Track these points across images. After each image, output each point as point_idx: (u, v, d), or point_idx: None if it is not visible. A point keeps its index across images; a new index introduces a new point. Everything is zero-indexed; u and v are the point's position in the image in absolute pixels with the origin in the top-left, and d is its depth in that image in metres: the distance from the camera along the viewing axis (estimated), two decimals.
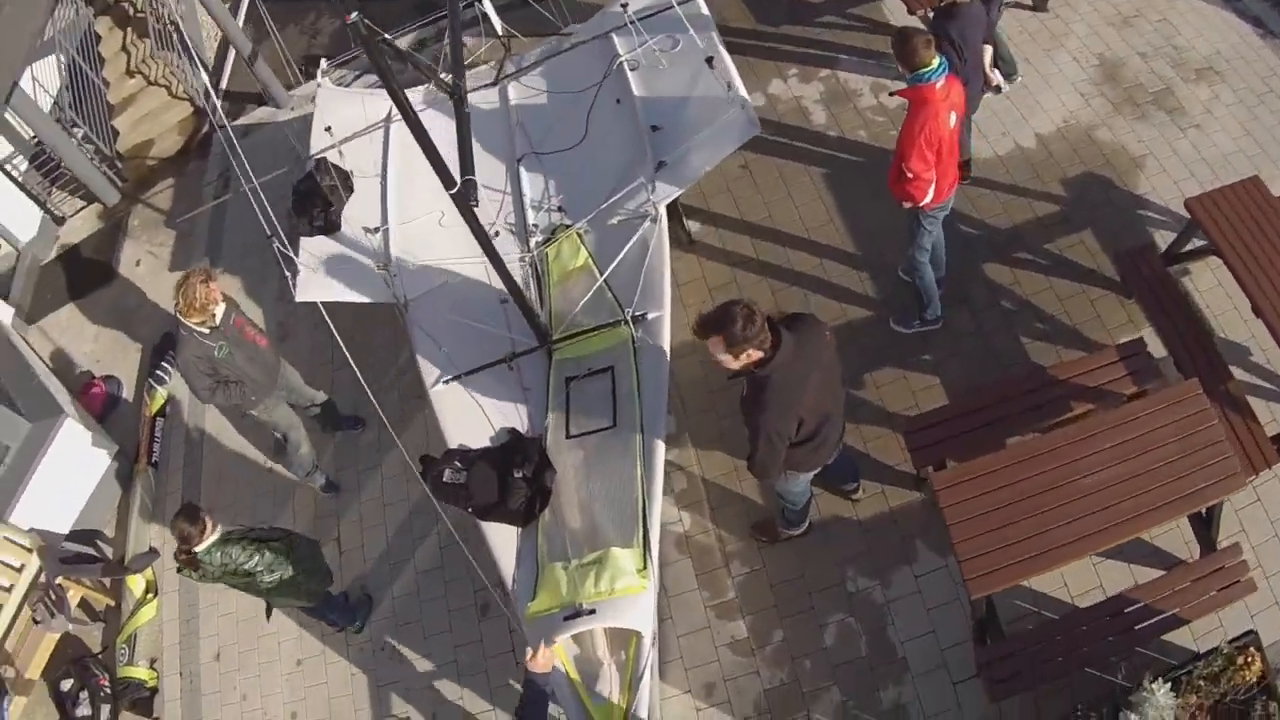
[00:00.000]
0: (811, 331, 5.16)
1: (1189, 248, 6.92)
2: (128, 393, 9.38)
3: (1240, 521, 6.15)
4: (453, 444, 6.58)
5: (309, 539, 6.89)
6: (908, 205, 6.43)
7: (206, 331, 6.78)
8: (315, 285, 7.59)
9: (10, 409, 8.47)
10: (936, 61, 5.82)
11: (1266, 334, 6.18)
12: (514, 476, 6.22)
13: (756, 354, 4.91)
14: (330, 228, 7.89)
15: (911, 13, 8.40)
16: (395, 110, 8.30)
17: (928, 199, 6.31)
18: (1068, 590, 6.14)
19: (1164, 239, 7.19)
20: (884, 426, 6.91)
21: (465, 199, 5.94)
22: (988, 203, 7.68)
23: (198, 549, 6.05)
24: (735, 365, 4.97)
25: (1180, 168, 7.51)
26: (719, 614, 6.62)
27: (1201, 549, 5.97)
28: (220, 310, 6.81)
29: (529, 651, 5.12)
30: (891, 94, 6.40)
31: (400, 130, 8.33)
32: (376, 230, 7.72)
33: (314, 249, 7.77)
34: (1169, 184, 7.44)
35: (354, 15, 4.81)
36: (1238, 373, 6.40)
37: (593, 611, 5.53)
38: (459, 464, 6.39)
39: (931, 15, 7.01)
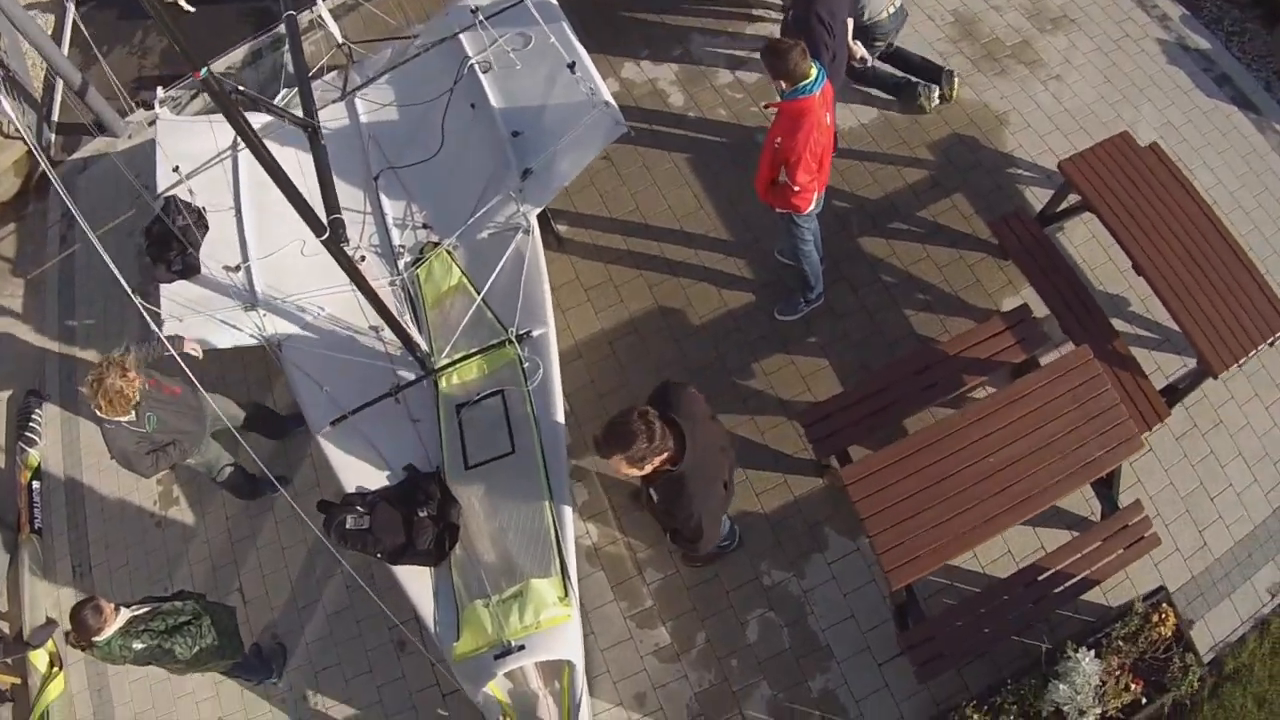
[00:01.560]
0: (686, 396, 5.06)
1: (1062, 207, 7.05)
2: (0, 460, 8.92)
3: (1136, 473, 6.39)
4: (349, 487, 6.44)
5: (224, 605, 6.66)
6: (784, 211, 6.40)
7: (134, 417, 6.37)
8: (184, 334, 7.18)
9: None
10: (815, 71, 5.76)
11: (1144, 284, 6.40)
12: (419, 515, 6.15)
13: (662, 457, 4.78)
14: (189, 270, 7.48)
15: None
16: (238, 142, 8.02)
17: (812, 207, 6.33)
18: (978, 560, 6.33)
19: (1035, 196, 7.34)
20: (778, 415, 6.95)
21: (336, 241, 5.78)
22: (857, 175, 7.70)
23: (97, 640, 5.81)
24: (644, 472, 4.84)
25: (1045, 121, 7.64)
26: (639, 623, 6.63)
27: (1104, 509, 6.21)
28: (139, 391, 6.33)
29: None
30: (766, 107, 6.27)
31: (250, 158, 7.96)
32: (237, 268, 7.43)
33: (176, 295, 7.37)
34: (1035, 139, 7.57)
35: (203, 70, 4.59)
36: (1120, 325, 6.60)
37: (522, 647, 5.56)
38: (360, 508, 6.24)
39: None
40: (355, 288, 6.17)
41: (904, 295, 7.16)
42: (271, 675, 7.23)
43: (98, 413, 6.32)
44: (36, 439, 8.70)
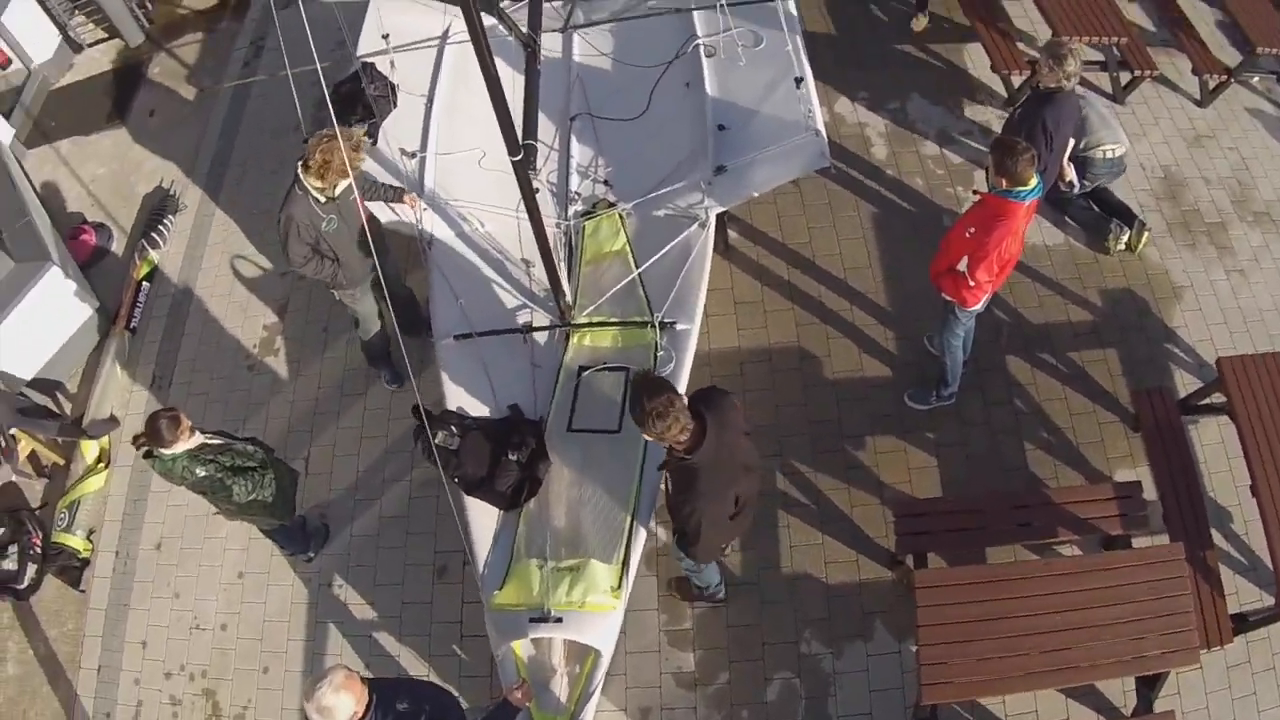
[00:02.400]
0: (725, 403, 5.16)
1: (1205, 401, 7.11)
2: (117, 246, 9.21)
3: (1179, 683, 6.40)
4: (452, 405, 6.56)
5: (289, 467, 6.82)
6: (950, 300, 6.50)
7: (322, 200, 6.49)
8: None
9: None
10: (1035, 182, 5.83)
11: (1255, 507, 6.40)
12: (508, 457, 6.23)
13: (679, 438, 4.89)
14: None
15: (995, 70, 8.47)
16: (453, 31, 8.20)
17: (977, 306, 6.44)
18: (1005, 709, 6.38)
19: (1182, 380, 7.40)
20: (873, 495, 7.06)
21: (525, 166, 5.88)
22: (1025, 292, 7.77)
23: (165, 452, 5.93)
24: (662, 443, 4.98)
25: (1216, 311, 7.67)
26: (671, 641, 6.78)
27: (1138, 706, 6.27)
28: (345, 184, 6.44)
29: (515, 686, 5.30)
30: (974, 193, 6.43)
31: (456, 54, 8.18)
32: (414, 156, 7.64)
33: None
34: (1201, 325, 7.61)
35: None
36: (1217, 537, 6.63)
37: (559, 620, 5.61)
38: (454, 429, 6.35)
39: (1032, 93, 6.95)
40: (524, 217, 6.31)
41: (1030, 427, 7.24)
42: (307, 551, 7.45)
43: (300, 168, 6.40)
44: (160, 242, 8.96)
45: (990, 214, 5.99)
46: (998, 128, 8.41)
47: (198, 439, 6.03)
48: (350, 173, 6.22)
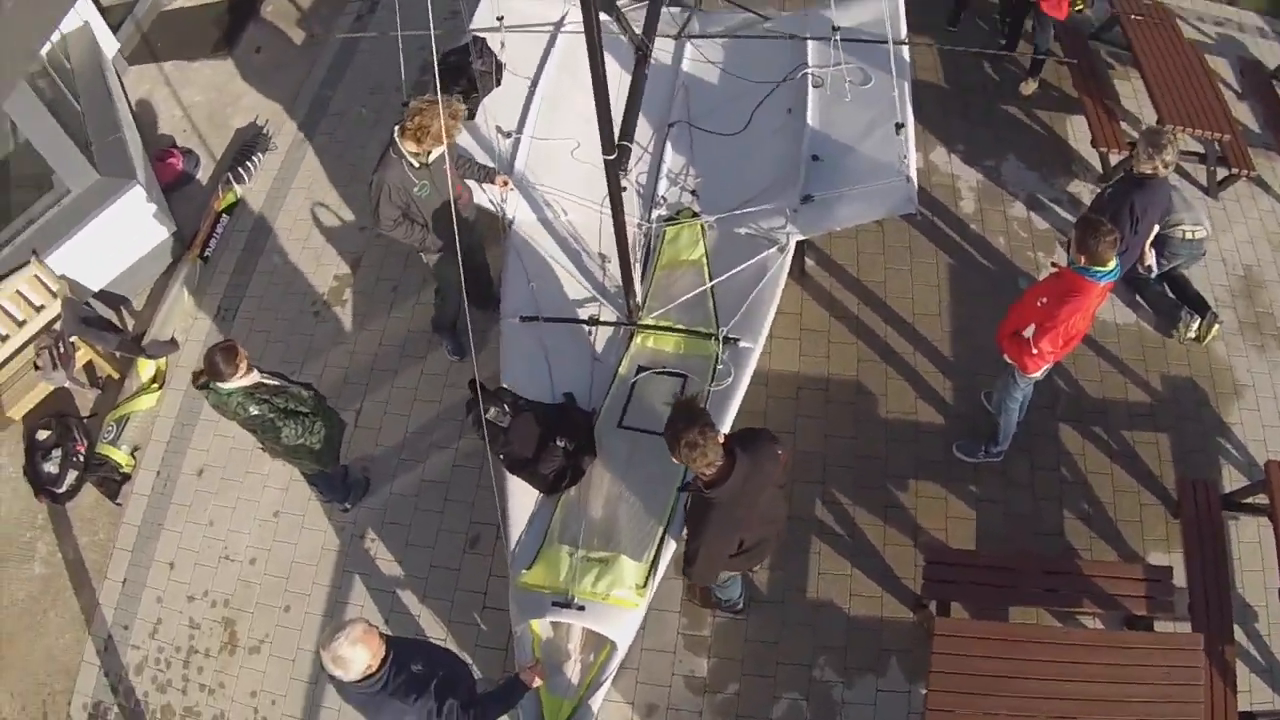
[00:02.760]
0: (765, 453, 5.22)
1: (1249, 500, 7.17)
2: (203, 174, 9.45)
3: None
4: (508, 383, 6.72)
5: (339, 416, 6.97)
6: (1011, 363, 6.62)
7: (416, 165, 6.64)
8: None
9: (85, 154, 8.50)
10: (1113, 265, 5.95)
11: (1279, 610, 6.59)
12: (555, 443, 6.37)
13: (705, 472, 5.00)
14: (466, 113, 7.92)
15: (1094, 145, 8.62)
16: (568, 20, 8.43)
17: (1038, 374, 6.57)
18: None
19: (1230, 475, 7.47)
20: (907, 537, 7.18)
21: (617, 165, 6.00)
22: (1088, 365, 7.88)
23: (220, 385, 6.07)
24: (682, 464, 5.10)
25: (1275, 415, 7.74)
26: (688, 644, 6.92)
27: None
28: (439, 151, 6.60)
29: (528, 666, 5.53)
30: (1053, 265, 6.56)
31: (567, 44, 8.40)
32: (509, 135, 7.84)
33: None
34: (1257, 425, 7.68)
35: None
36: (1239, 633, 6.70)
37: (582, 609, 5.76)
38: (507, 407, 6.50)
39: (1125, 174, 7.05)
40: (608, 213, 6.47)
41: (1071, 496, 7.33)
42: (345, 501, 7.63)
43: (397, 132, 6.54)
44: (246, 178, 9.20)
45: (1065, 288, 6.10)
46: (1087, 200, 8.58)
47: (254, 376, 6.19)
48: (445, 141, 6.45)
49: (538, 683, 5.57)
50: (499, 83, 8.10)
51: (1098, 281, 5.98)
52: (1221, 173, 8.78)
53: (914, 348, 7.98)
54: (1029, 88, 9.59)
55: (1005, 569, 6.65)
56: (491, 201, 7.48)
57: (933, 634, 6.13)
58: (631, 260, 6.75)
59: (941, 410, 7.71)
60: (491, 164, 7.48)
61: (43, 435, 8.24)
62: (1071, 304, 6.04)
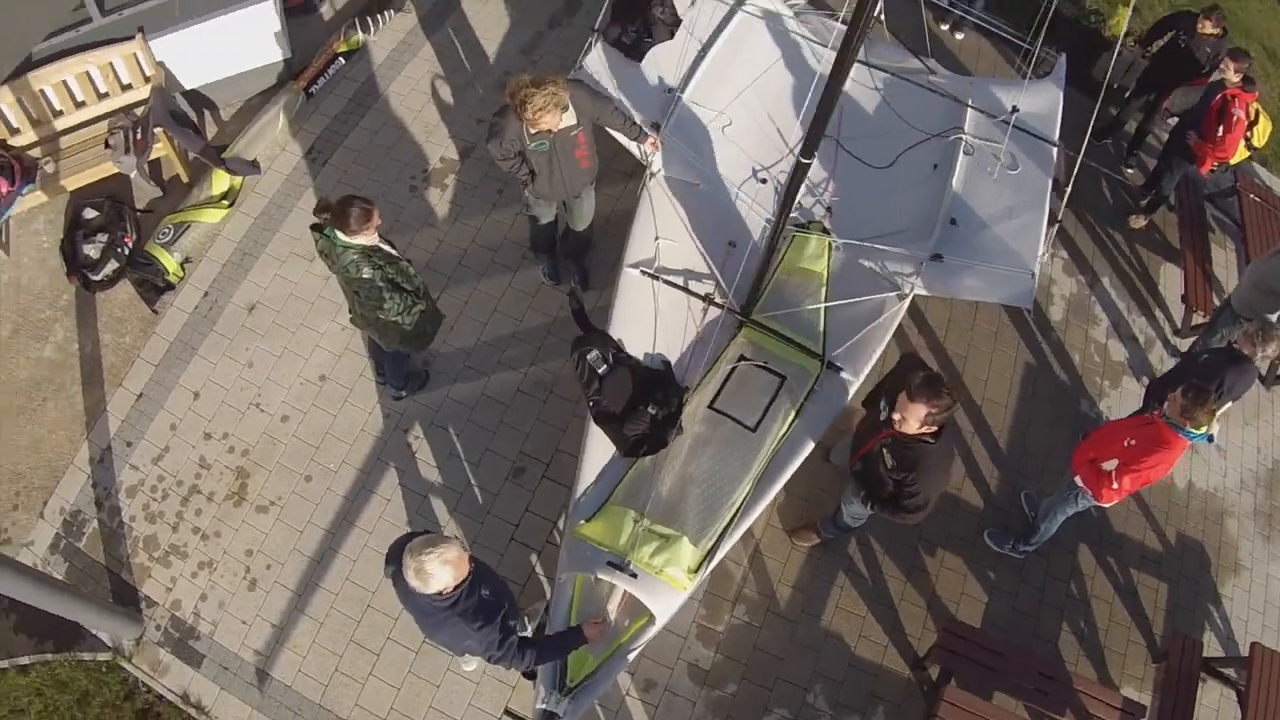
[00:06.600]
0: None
1: (1225, 671, 8.33)
2: (327, 10, 9.78)
3: None
4: (613, 332, 7.23)
5: (439, 311, 7.34)
6: (1080, 484, 7.53)
7: (534, 131, 7.06)
8: (597, 75, 8.18)
9: None
10: (1205, 429, 6.88)
11: None
12: (644, 407, 6.90)
13: (934, 428, 6.11)
14: (631, 50, 8.58)
15: (1183, 300, 9.75)
16: (749, 2, 9.14)
17: (1101, 503, 7.53)
18: None
19: (1213, 642, 8.60)
20: (923, 599, 8.08)
21: (805, 171, 6.52)
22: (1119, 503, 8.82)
23: (341, 238, 6.35)
24: (916, 429, 6.10)
25: (1261, 599, 8.95)
26: (699, 635, 7.65)
27: None
28: (554, 123, 7.00)
29: (595, 620, 6.09)
30: (1153, 411, 7.64)
31: (745, 23, 9.08)
32: (669, 91, 8.45)
33: (605, 58, 8.37)
34: (1244, 603, 8.86)
35: None
36: None
37: (634, 575, 6.29)
38: (609, 357, 7.02)
39: (1227, 347, 7.98)
40: (744, 199, 7.31)
41: (1073, 612, 8.34)
42: (401, 389, 8.05)
43: (507, 93, 6.91)
44: (372, 30, 9.58)
45: (1155, 437, 7.01)
46: (1162, 347, 9.79)
47: (376, 240, 6.50)
48: (538, 122, 6.92)
49: (594, 639, 5.98)
50: (671, 36, 8.72)
51: (1188, 441, 6.91)
52: None
53: (974, 429, 8.90)
54: (1139, 222, 10.62)
55: (1007, 658, 7.54)
56: (636, 151, 8.04)
57: (940, 699, 7.09)
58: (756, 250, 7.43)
59: (983, 495, 8.63)
60: (646, 117, 8.05)
61: (90, 214, 8.49)
62: (1159, 454, 6.97)
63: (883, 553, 8.25)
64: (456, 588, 5.13)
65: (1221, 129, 9.45)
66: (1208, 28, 9.81)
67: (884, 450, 6.33)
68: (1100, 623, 8.50)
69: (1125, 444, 7.17)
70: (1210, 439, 8.54)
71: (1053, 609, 8.41)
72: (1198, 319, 9.73)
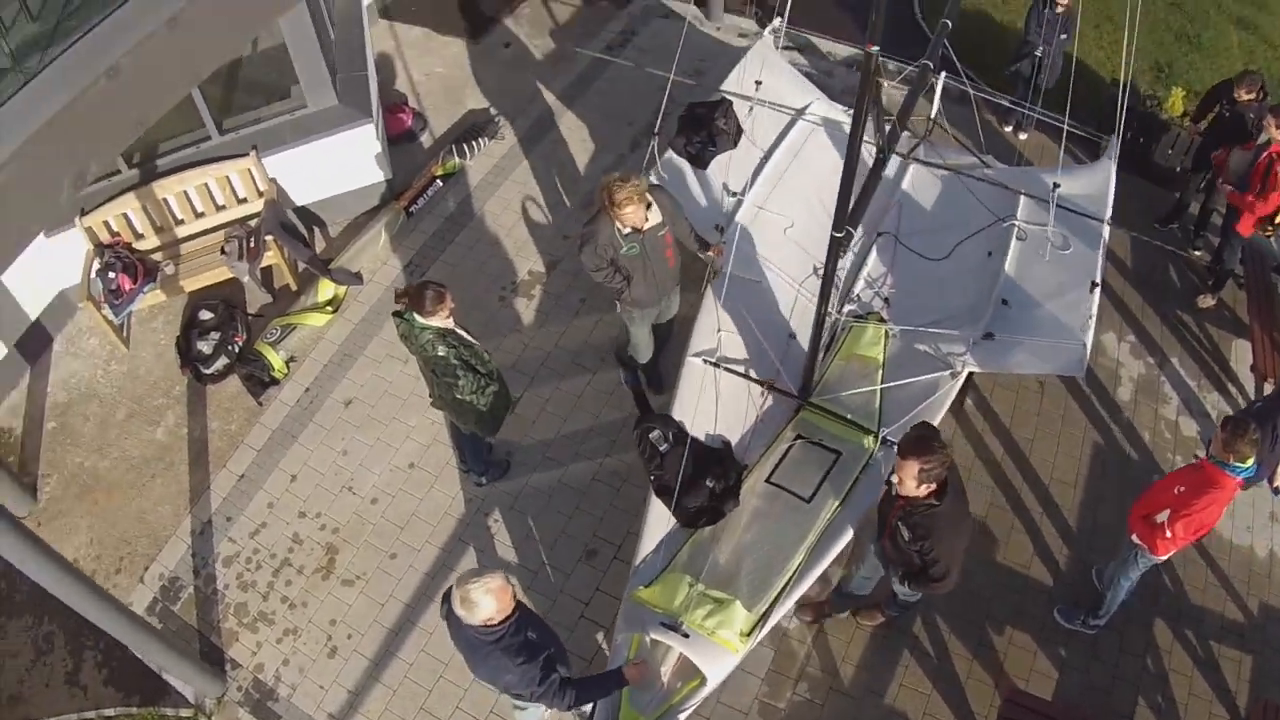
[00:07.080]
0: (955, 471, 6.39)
1: None
2: (426, 139, 10.79)
3: None
4: (676, 414, 7.75)
5: (510, 393, 7.95)
6: (1139, 544, 7.59)
7: (627, 231, 7.71)
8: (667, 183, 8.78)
9: (330, 75, 9.75)
10: (1251, 462, 6.93)
11: None
12: (703, 482, 7.38)
13: (932, 487, 6.20)
14: (696, 160, 9.25)
15: (1252, 369, 9.84)
16: (811, 110, 9.77)
17: (1163, 556, 7.57)
18: None
19: None
20: (990, 677, 8.15)
21: (838, 245, 7.04)
22: (1196, 573, 8.90)
23: (418, 319, 7.01)
24: (916, 491, 6.21)
25: None
26: (761, 711, 7.85)
27: None
28: (640, 219, 7.63)
29: (635, 661, 6.48)
30: (1196, 456, 7.76)
31: (804, 131, 9.73)
32: (734, 195, 9.09)
33: (673, 165, 9.08)
34: None
35: (875, 49, 5.88)
36: None
37: (686, 635, 6.63)
38: (669, 435, 7.54)
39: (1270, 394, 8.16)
40: (804, 293, 7.70)
41: (1148, 686, 8.27)
42: (482, 476, 8.65)
43: (598, 190, 7.64)
44: (468, 155, 10.56)
45: (1203, 479, 7.09)
46: None
47: (451, 323, 7.18)
48: (633, 216, 7.56)
49: (634, 680, 6.37)
50: (735, 145, 9.40)
51: (1235, 477, 6.97)
52: None
53: (1043, 509, 9.03)
54: (1207, 301, 10.72)
55: None
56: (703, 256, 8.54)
57: None
58: (821, 343, 7.84)
59: (1053, 572, 8.72)
60: (712, 220, 8.76)
61: (205, 315, 9.44)
62: (1209, 495, 7.03)
63: (948, 631, 8.38)
64: (503, 621, 5.49)
65: (1264, 185, 9.60)
66: (1243, 95, 10.07)
67: (899, 524, 6.55)
68: (1180, 697, 8.40)
69: (1175, 491, 7.28)
70: (1277, 492, 8.54)
71: (1127, 684, 8.38)
72: (1268, 388, 9.74)
